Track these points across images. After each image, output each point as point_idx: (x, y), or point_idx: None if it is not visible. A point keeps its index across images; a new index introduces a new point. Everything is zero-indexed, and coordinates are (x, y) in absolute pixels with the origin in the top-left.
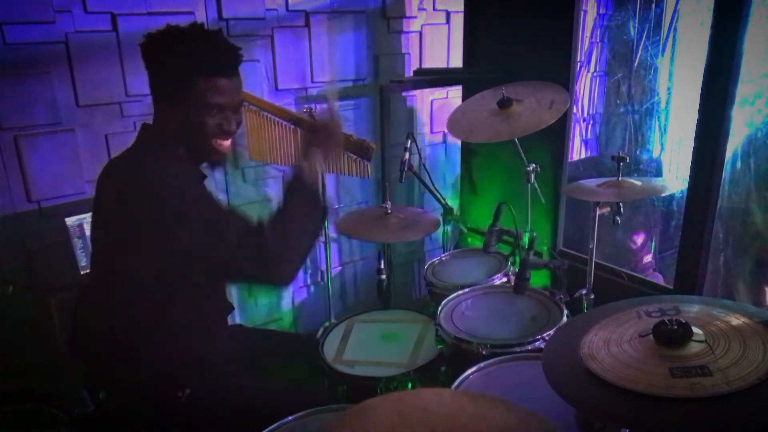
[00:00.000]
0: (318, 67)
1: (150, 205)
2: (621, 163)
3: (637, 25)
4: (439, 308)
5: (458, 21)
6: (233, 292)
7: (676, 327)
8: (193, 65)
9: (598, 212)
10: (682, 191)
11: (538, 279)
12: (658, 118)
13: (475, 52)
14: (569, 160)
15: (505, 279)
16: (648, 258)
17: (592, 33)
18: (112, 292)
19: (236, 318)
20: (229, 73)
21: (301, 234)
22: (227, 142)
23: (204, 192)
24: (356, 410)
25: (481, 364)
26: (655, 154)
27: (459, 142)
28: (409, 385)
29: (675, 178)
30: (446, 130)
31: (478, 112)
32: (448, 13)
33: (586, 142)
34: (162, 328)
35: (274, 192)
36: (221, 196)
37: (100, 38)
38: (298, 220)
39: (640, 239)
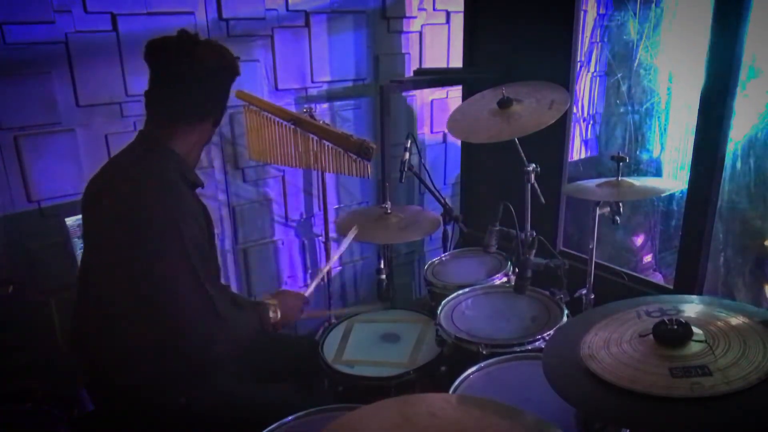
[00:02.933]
0: (318, 67)
1: (152, 223)
2: (620, 163)
3: (637, 25)
4: (439, 308)
5: (458, 21)
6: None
7: (676, 327)
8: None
9: (598, 212)
10: (682, 191)
11: None
12: (658, 118)
13: (475, 52)
14: (569, 160)
15: (505, 279)
16: (648, 258)
17: (592, 33)
18: (101, 298)
19: None
20: None
21: (238, 339)
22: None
23: (208, 224)
24: (361, 412)
25: (481, 364)
26: (655, 154)
27: (459, 142)
28: None
29: (675, 178)
30: (446, 130)
31: (478, 112)
32: (448, 13)
33: (586, 142)
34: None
35: (274, 192)
36: (221, 196)
37: (100, 38)
38: (241, 329)
39: (640, 239)
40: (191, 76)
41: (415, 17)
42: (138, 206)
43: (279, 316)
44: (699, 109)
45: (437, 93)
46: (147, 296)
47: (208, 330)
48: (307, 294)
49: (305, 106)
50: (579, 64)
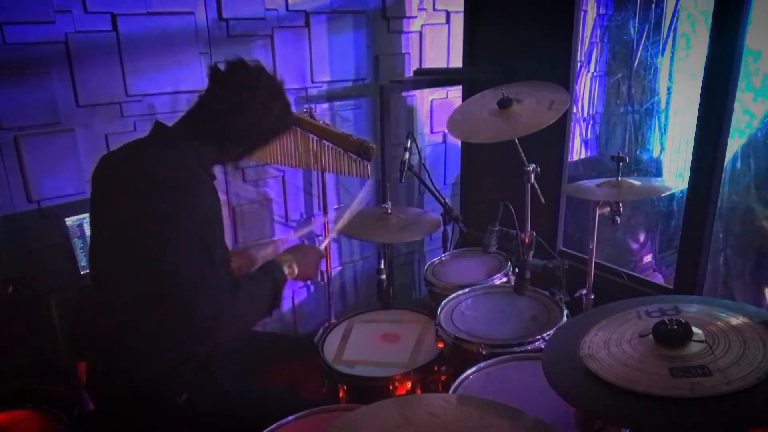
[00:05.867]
0: (318, 67)
1: (162, 209)
2: (621, 163)
3: (637, 25)
4: (439, 308)
5: (458, 21)
6: None
7: (676, 327)
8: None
9: (598, 212)
10: (682, 191)
11: None
12: (658, 118)
13: (475, 52)
14: (569, 160)
15: (505, 279)
16: (648, 258)
17: (592, 33)
18: (110, 293)
19: None
20: None
21: (257, 311)
22: None
23: (219, 208)
24: (361, 412)
25: (481, 364)
26: (655, 154)
27: (459, 142)
28: None
29: (675, 177)
30: (446, 130)
31: (478, 112)
32: (448, 13)
33: (586, 142)
34: (161, 330)
35: (274, 192)
36: (221, 196)
37: (100, 38)
38: (259, 300)
39: (640, 239)
40: (242, 106)
41: (415, 17)
42: (153, 182)
43: (296, 271)
44: (699, 109)
45: (437, 93)
46: (154, 277)
47: (225, 303)
48: (321, 248)
49: (305, 106)
50: (579, 64)
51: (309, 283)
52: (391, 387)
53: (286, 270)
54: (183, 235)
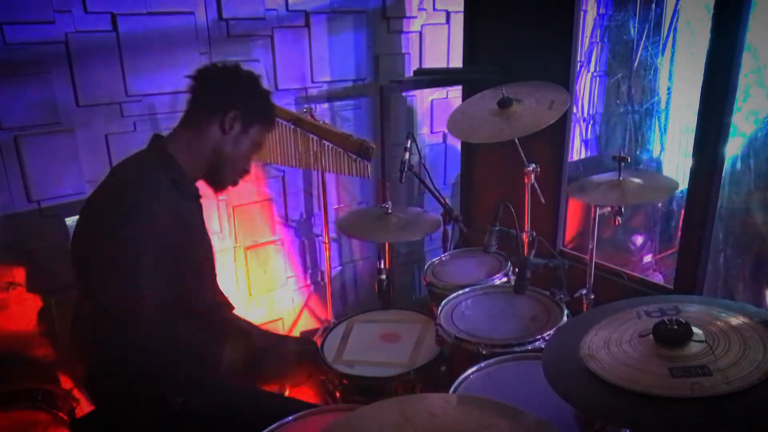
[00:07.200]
0: (318, 67)
1: (157, 223)
2: (622, 163)
3: (637, 25)
4: (439, 308)
5: (458, 21)
6: (233, 292)
7: (676, 327)
8: (272, 112)
9: (598, 212)
10: (682, 191)
11: None
12: (658, 118)
13: (475, 52)
14: (569, 160)
15: (505, 279)
16: (648, 258)
17: (592, 33)
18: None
19: None
20: None
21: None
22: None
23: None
24: (361, 412)
25: (481, 364)
26: (655, 154)
27: (459, 142)
28: None
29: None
30: (446, 130)
31: (478, 112)
32: (448, 13)
33: (586, 142)
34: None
35: (274, 192)
36: (221, 196)
37: (100, 38)
38: (240, 364)
39: (640, 239)
40: (204, 78)
41: (415, 17)
42: (112, 198)
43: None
44: (699, 109)
45: (437, 93)
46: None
47: (147, 332)
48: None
49: (305, 106)
50: (579, 64)
51: (309, 283)
52: (391, 387)
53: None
54: (114, 259)
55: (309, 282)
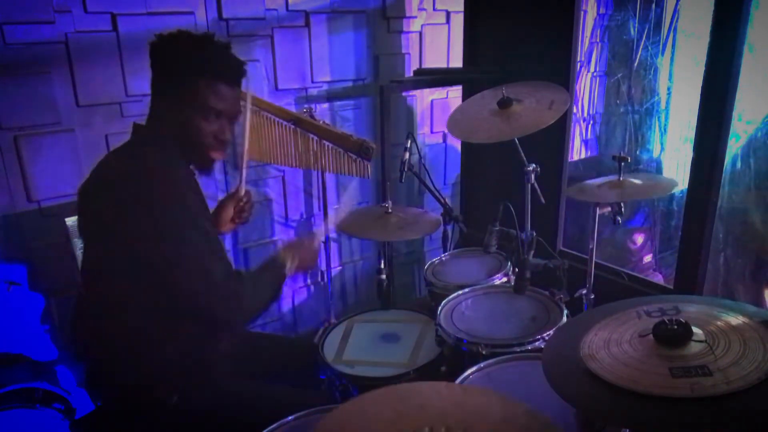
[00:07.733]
0: (318, 67)
1: (151, 203)
2: (622, 163)
3: (637, 25)
4: (439, 308)
5: (458, 21)
6: None
7: (676, 327)
8: (199, 67)
9: (598, 212)
10: (682, 191)
11: None
12: (658, 118)
13: (475, 52)
14: (569, 160)
15: (505, 279)
16: (648, 258)
17: (592, 33)
18: (103, 296)
19: None
20: (232, 82)
21: (262, 299)
22: (219, 154)
23: (203, 202)
24: (352, 404)
25: (481, 364)
26: (655, 154)
27: (459, 142)
28: None
29: (674, 177)
30: (446, 130)
31: (478, 112)
32: (448, 13)
33: (586, 142)
34: (156, 331)
35: (274, 192)
36: (221, 196)
37: (100, 38)
38: (263, 288)
39: (640, 239)
40: (151, 51)
41: (415, 17)
42: (135, 189)
43: (297, 263)
44: (699, 109)
45: (437, 93)
46: (155, 278)
47: (234, 288)
48: (320, 236)
49: (305, 106)
50: (579, 64)
51: (309, 283)
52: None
53: (288, 263)
54: (178, 225)
55: (309, 282)
